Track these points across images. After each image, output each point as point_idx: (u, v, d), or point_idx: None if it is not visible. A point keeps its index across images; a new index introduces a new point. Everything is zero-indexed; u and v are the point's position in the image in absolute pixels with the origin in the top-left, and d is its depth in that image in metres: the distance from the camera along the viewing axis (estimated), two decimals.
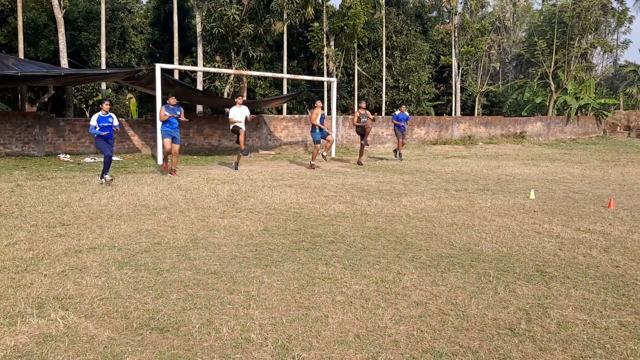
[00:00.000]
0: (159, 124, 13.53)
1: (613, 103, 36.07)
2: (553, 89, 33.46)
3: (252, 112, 21.79)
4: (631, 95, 40.93)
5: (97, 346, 3.68)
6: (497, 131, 28.94)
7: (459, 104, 31.26)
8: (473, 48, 30.41)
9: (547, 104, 34.18)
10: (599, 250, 6.38)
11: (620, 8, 37.27)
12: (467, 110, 34.84)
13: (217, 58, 22.61)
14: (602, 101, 35.03)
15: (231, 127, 13.99)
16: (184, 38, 25.63)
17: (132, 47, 26.81)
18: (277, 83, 26.08)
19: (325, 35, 24.72)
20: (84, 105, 25.75)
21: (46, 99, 21.27)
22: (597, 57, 44.19)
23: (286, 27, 23.22)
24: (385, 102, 28.54)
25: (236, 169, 14.31)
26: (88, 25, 25.03)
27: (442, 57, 31.95)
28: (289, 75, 22.07)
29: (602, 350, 3.70)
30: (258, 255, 5.93)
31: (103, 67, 20.15)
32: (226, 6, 20.68)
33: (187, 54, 25.96)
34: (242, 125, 13.80)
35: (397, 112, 17.92)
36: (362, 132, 16.22)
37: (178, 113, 12.71)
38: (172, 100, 12.79)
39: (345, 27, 24.08)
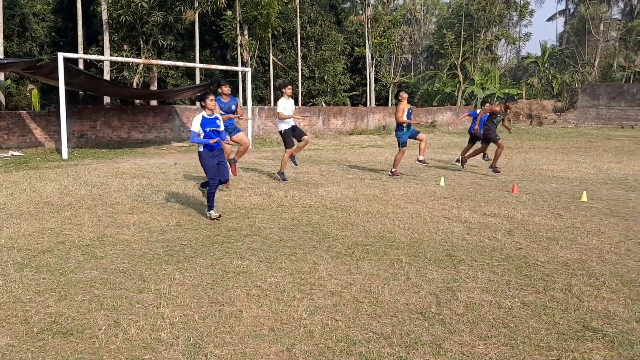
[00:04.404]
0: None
1: (516, 93, 38.05)
2: (461, 79, 34.81)
3: (163, 103, 21.17)
4: (532, 86, 43.35)
5: None
6: (410, 121, 29.74)
7: (373, 95, 31.85)
8: (386, 40, 31.03)
9: (455, 94, 35.52)
10: (503, 234, 6.69)
11: (522, 2, 39.30)
12: (382, 100, 35.58)
13: (125, 47, 21.71)
14: (507, 91, 36.88)
15: (282, 126, 10.60)
16: (90, 26, 24.40)
17: (33, 35, 25.18)
18: (190, 73, 25.43)
19: (238, 24, 24.35)
20: None
21: None
22: (502, 49, 46.65)
23: (198, 15, 22.64)
24: (302, 93, 28.58)
25: (284, 179, 10.85)
26: None
27: (356, 48, 32.39)
28: (202, 65, 21.58)
29: (506, 330, 3.86)
30: (169, 252, 5.74)
31: (1, 56, 18.80)
32: None
33: (93, 42, 24.74)
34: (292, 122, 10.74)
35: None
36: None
37: (233, 107, 10.00)
38: (226, 89, 9.86)
39: (259, 16, 23.82)
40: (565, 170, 12.94)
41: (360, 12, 33.77)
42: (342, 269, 5.16)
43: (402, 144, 11.58)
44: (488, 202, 8.75)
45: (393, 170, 11.86)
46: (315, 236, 6.43)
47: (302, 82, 28.64)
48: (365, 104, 32.21)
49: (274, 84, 27.21)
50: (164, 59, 22.85)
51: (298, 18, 27.54)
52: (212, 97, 7.44)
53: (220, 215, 7.32)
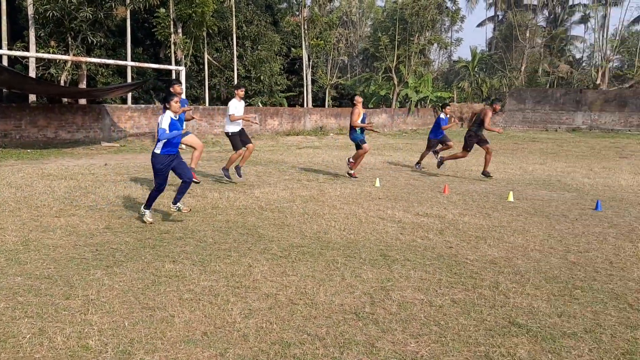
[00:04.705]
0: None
1: (448, 96, 39.12)
2: (396, 82, 35.46)
3: (93, 102, 20.45)
4: (463, 89, 44.73)
5: None
6: (347, 122, 30.01)
7: (310, 96, 31.95)
8: (322, 41, 31.20)
9: (390, 96, 36.17)
10: (435, 233, 6.86)
11: (454, 8, 40.48)
12: (319, 101, 35.76)
13: (52, 43, 20.78)
14: (439, 94, 37.89)
15: (231, 129, 10.41)
16: (15, 21, 23.19)
17: None
18: (121, 71, 24.64)
19: (172, 22, 23.83)
20: None
21: None
22: (434, 53, 47.81)
23: (129, 12, 21.99)
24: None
25: (228, 177, 10.75)
26: None
27: (293, 49, 32.40)
28: (134, 63, 20.96)
29: (437, 327, 3.96)
30: (99, 256, 5.54)
31: None
32: None
33: (18, 38, 23.51)
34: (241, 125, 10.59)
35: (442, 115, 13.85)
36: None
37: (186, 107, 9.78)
38: (179, 89, 9.44)
39: (194, 15, 23.38)
40: (494, 172, 13.41)
41: (297, 13, 33.82)
42: (278, 271, 5.15)
43: (361, 141, 11.51)
44: (421, 203, 8.96)
45: (351, 172, 11.75)
46: (251, 238, 6.38)
47: (238, 82, 28.36)
48: (302, 105, 32.27)
49: (209, 84, 26.82)
50: (94, 57, 22.04)
51: (234, 17, 27.25)
52: (177, 98, 7.11)
53: (152, 222, 7.06)
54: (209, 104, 26.34)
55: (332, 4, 36.72)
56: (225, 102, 28.05)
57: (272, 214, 7.75)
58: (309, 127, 28.12)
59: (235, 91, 10.49)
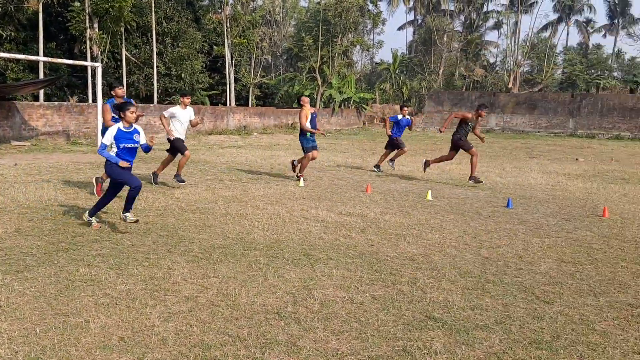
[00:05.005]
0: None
1: (371, 97, 39.97)
2: (320, 82, 35.76)
3: (2, 99, 19.27)
4: (385, 91, 45.83)
5: None
6: (271, 122, 30.01)
7: (233, 94, 31.63)
8: (245, 40, 30.97)
9: (315, 96, 36.44)
10: (357, 232, 6.99)
11: (375, 11, 41.35)
12: (242, 100, 35.46)
13: None
14: (362, 95, 38.60)
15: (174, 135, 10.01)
16: None
17: None
18: (33, 66, 23.37)
19: (88, 17, 22.87)
20: None
21: None
22: (357, 55, 48.62)
23: (42, 5, 20.90)
24: (158, 90, 27.57)
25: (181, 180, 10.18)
26: None
27: (215, 46, 31.94)
28: (46, 59, 19.92)
29: (357, 324, 4.04)
30: (8, 261, 5.24)
31: None
32: None
33: None
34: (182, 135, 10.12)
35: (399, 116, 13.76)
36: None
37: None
38: (121, 92, 9.08)
39: (111, 9, 22.54)
40: (414, 171, 13.83)
41: (219, 10, 33.37)
42: (199, 273, 5.06)
43: (306, 150, 11.09)
44: (344, 202, 9.08)
45: (299, 174, 11.25)
46: (170, 240, 6.24)
47: (157, 80, 27.62)
48: (225, 104, 31.88)
49: (127, 81, 25.95)
50: (3, 51, 20.78)
51: (153, 13, 26.51)
52: (133, 108, 6.60)
53: (137, 220, 6.69)
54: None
55: (255, 2, 36.54)
56: (144, 100, 27.25)
57: (193, 215, 7.61)
58: (232, 126, 27.82)
59: (182, 98, 10.08)
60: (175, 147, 10.04)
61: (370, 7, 40.08)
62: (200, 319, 4.03)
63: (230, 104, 30.86)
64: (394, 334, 3.87)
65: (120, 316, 4.03)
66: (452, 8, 53.91)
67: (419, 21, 57.55)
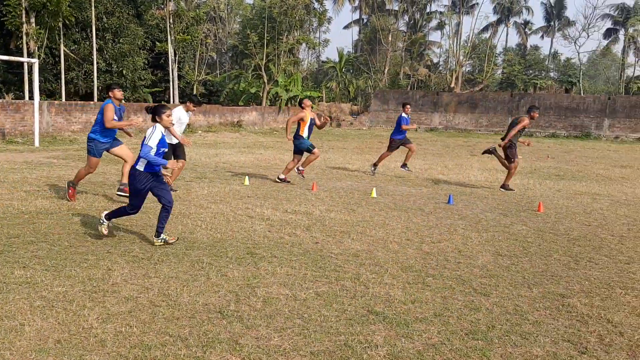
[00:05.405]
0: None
1: (317, 96, 40.08)
2: (265, 80, 35.62)
3: None
4: (332, 89, 46.06)
5: None
6: (216, 120, 29.64)
7: (177, 92, 31.11)
8: (189, 36, 30.50)
9: (261, 94, 36.27)
10: (302, 229, 7.02)
11: (321, 9, 41.51)
12: (186, 98, 34.93)
13: None
14: (308, 94, 38.64)
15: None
16: None
17: None
18: None
19: (24, 11, 21.99)
20: None
21: None
22: (303, 53, 48.72)
23: None
24: (98, 87, 26.81)
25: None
26: None
27: (158, 43, 31.32)
28: None
29: (300, 320, 4.07)
30: None
31: None
32: None
33: None
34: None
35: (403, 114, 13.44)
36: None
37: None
38: (119, 94, 8.43)
39: (48, 4, 21.77)
40: (359, 169, 13.99)
41: (162, 6, 32.71)
42: (139, 274, 4.97)
43: (309, 149, 10.71)
44: (289, 200, 9.09)
45: (282, 177, 10.98)
46: (111, 240, 6.09)
47: (98, 77, 26.86)
48: (168, 101, 31.31)
49: (65, 77, 25.11)
50: None
51: (93, 8, 25.75)
52: (169, 111, 6.10)
53: (107, 235, 6.06)
54: (66, 99, 24.67)
55: None
56: (83, 97, 26.46)
57: (135, 215, 7.44)
58: None
59: (187, 103, 9.59)
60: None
61: (316, 5, 40.25)
62: (140, 319, 3.96)
63: (173, 102, 30.32)
64: (336, 329, 3.92)
65: (56, 319, 3.92)
66: (397, 8, 54.74)
67: (365, 20, 58.13)
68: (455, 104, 38.13)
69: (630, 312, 4.50)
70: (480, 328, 4.05)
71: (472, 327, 4.05)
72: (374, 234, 6.94)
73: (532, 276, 5.37)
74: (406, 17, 56.14)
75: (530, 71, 52.68)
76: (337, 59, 47.57)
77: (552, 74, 54.96)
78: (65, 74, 25.22)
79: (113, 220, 6.29)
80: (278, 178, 11.08)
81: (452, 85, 44.52)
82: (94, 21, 25.88)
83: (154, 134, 5.92)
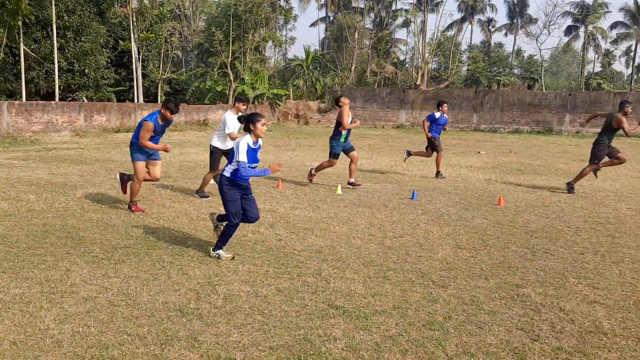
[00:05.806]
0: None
1: (284, 93, 39.99)
2: (232, 78, 35.40)
3: None
4: (299, 87, 46.03)
5: None
6: (182, 118, 29.34)
7: (141, 91, 30.68)
8: (153, 34, 30.12)
9: (227, 92, 36.03)
10: (265, 227, 7.04)
11: (287, 7, 41.45)
12: (151, 97, 34.49)
13: None
14: (275, 91, 38.55)
15: (217, 143, 9.18)
16: None
17: None
18: None
19: None
20: None
21: None
22: (270, 51, 48.52)
23: None
24: (60, 87, 26.27)
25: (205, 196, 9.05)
26: None
27: (121, 41, 30.83)
28: None
29: (260, 316, 4.10)
30: None
31: None
32: None
33: None
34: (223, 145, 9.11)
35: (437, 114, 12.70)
36: None
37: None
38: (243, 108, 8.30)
39: (7, 2, 21.25)
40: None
41: (125, 4, 32.21)
42: (99, 274, 4.93)
43: (333, 155, 10.51)
44: (255, 198, 9.07)
45: (313, 174, 10.86)
46: (70, 241, 6.01)
47: (59, 76, 26.32)
48: (132, 100, 30.87)
49: (26, 77, 24.55)
50: None
51: (53, 6, 25.21)
52: (264, 119, 5.59)
53: (233, 257, 5.60)
54: (27, 99, 24.12)
55: None
56: (45, 97, 25.90)
57: (96, 215, 7.36)
58: None
59: (236, 104, 9.11)
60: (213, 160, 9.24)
61: (282, 2, 40.15)
62: (98, 319, 3.94)
63: (138, 101, 29.91)
64: (296, 324, 3.96)
65: (12, 320, 3.87)
66: (363, 6, 55.01)
67: (331, 18, 58.22)
68: (421, 100, 38.52)
69: (582, 300, 4.66)
70: (437, 319, 4.14)
71: (429, 318, 4.14)
72: (338, 230, 7.00)
73: (489, 268, 5.51)
74: (372, 15, 56.46)
75: (495, 68, 53.57)
76: (303, 57, 47.56)
77: (515, 71, 55.95)
78: (25, 74, 24.65)
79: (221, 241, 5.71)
80: (349, 184, 10.53)
81: (418, 82, 44.96)
82: (54, 19, 25.33)
83: (241, 147, 5.42)
